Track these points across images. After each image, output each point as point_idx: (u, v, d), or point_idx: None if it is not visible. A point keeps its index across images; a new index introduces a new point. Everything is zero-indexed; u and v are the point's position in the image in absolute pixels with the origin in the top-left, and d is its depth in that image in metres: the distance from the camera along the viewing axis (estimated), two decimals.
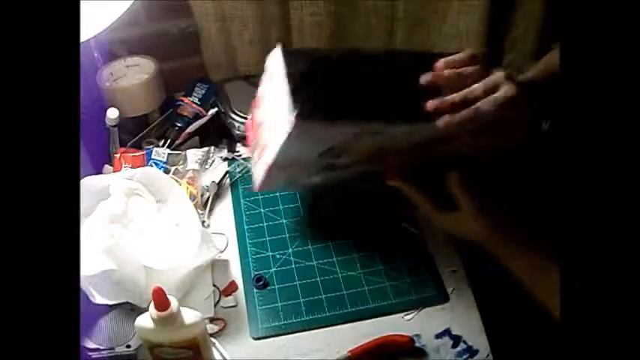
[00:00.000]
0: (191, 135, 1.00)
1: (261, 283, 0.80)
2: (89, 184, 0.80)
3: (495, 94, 0.64)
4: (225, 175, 0.95)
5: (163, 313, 0.61)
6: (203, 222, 0.88)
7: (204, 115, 1.01)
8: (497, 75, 0.65)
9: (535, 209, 0.77)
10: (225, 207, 0.92)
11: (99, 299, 0.72)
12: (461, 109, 0.63)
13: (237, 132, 1.00)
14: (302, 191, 0.92)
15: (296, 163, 0.71)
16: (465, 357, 0.72)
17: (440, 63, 0.66)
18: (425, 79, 0.66)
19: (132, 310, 0.74)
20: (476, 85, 0.64)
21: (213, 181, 0.93)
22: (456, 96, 0.64)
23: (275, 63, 0.67)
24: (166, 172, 0.91)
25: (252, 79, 1.07)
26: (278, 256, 0.84)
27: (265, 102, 0.71)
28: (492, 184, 0.74)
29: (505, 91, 0.64)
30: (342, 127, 0.64)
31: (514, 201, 0.75)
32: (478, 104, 0.63)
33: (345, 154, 0.71)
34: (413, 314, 0.76)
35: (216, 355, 0.72)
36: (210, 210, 0.91)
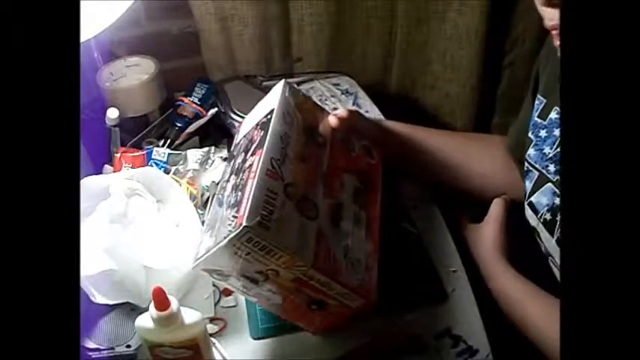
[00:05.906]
0: (191, 135, 1.00)
1: None
2: (89, 184, 0.80)
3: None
4: None
5: (163, 313, 0.61)
6: (203, 222, 0.88)
7: (204, 115, 1.01)
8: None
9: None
10: None
11: (99, 299, 0.72)
12: None
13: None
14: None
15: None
16: (464, 357, 0.72)
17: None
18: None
19: (132, 310, 0.74)
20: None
21: (213, 181, 0.93)
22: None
23: None
24: (166, 172, 0.91)
25: (252, 79, 1.07)
26: None
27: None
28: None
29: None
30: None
31: None
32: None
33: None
34: (413, 314, 0.76)
35: (216, 355, 0.72)
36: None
